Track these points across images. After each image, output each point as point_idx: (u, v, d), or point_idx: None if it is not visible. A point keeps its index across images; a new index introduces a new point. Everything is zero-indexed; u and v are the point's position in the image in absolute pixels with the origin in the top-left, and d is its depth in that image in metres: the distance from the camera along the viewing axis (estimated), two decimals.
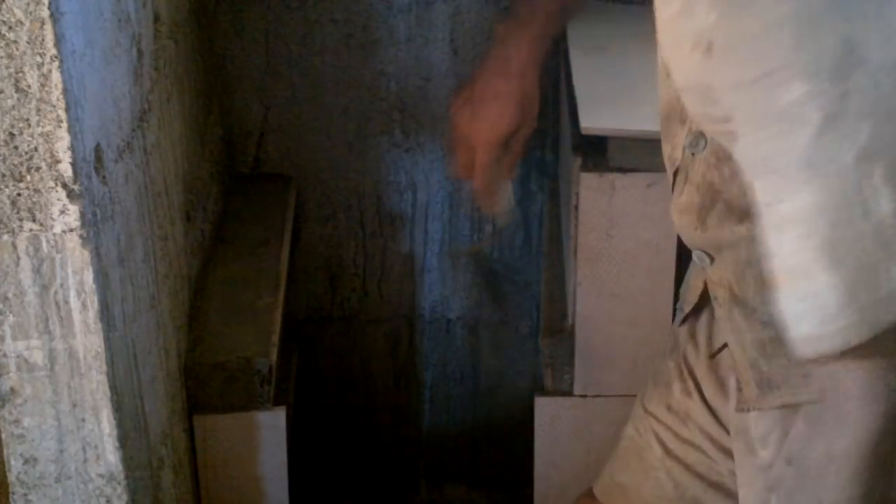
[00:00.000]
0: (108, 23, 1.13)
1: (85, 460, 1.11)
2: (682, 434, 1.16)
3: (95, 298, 1.05)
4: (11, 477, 1.11)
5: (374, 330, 2.04)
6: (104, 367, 1.07)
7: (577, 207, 1.41)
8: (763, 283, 0.91)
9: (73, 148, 0.99)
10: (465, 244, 1.98)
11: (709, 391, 1.13)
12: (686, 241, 1.06)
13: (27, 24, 0.95)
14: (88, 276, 1.04)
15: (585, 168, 1.40)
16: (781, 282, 0.86)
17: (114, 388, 1.09)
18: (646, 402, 1.21)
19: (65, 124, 0.98)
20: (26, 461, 1.10)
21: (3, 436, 1.09)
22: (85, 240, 1.02)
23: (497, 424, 2.12)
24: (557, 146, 1.86)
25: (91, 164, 1.05)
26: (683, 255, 1.48)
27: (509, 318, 2.04)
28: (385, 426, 2.11)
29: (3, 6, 0.94)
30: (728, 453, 1.11)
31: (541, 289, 1.72)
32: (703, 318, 1.14)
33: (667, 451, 1.18)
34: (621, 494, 1.23)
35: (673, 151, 1.05)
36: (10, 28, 0.95)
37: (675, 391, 1.17)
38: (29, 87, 0.97)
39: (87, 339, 1.06)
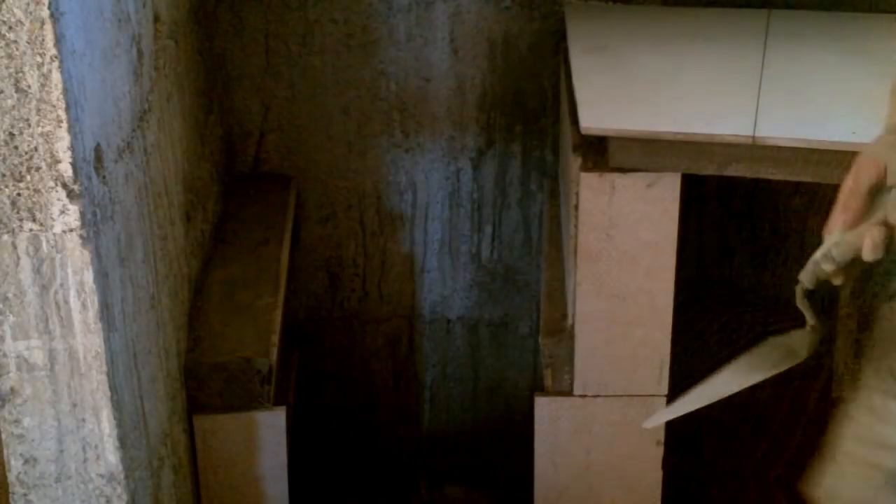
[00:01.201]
0: (108, 23, 1.13)
1: (85, 460, 1.11)
2: (883, 437, 1.13)
3: (95, 298, 1.05)
4: (11, 477, 1.11)
5: (374, 330, 2.04)
6: (104, 367, 1.07)
7: (577, 207, 1.41)
8: None
9: (73, 148, 0.99)
10: (465, 244, 1.98)
11: None
12: None
13: (27, 24, 0.95)
14: (88, 276, 1.04)
15: (585, 168, 1.40)
16: None
17: (114, 388, 1.09)
18: (846, 405, 1.18)
19: (65, 124, 0.98)
20: (26, 461, 1.10)
21: (3, 436, 1.09)
22: (85, 240, 1.02)
23: (497, 424, 2.12)
24: (557, 146, 1.86)
25: (91, 164, 1.05)
26: (683, 256, 1.48)
27: (509, 318, 2.04)
28: (385, 426, 2.11)
29: (3, 6, 0.94)
30: None
31: (541, 289, 1.72)
32: None
33: (865, 452, 1.15)
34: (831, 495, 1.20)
35: None
36: (10, 28, 0.95)
37: (876, 396, 1.14)
38: (29, 87, 0.97)
39: (87, 339, 1.06)
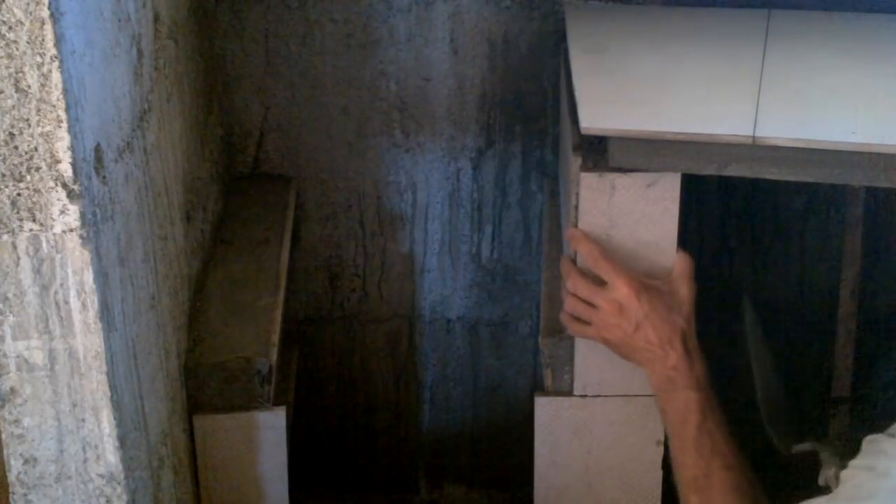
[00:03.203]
0: (108, 23, 1.13)
1: (85, 460, 1.11)
2: None
3: (95, 298, 1.05)
4: (11, 477, 1.11)
5: (374, 330, 2.04)
6: (104, 367, 1.07)
7: (577, 207, 1.41)
8: None
9: (73, 148, 0.99)
10: (465, 244, 1.98)
11: None
12: None
13: (27, 24, 0.95)
14: (88, 276, 1.04)
15: (585, 168, 1.40)
16: None
17: (114, 388, 1.09)
18: None
19: (65, 124, 0.98)
20: (26, 461, 1.10)
21: (3, 436, 1.09)
22: (85, 240, 1.02)
23: (497, 424, 2.12)
24: (557, 146, 1.86)
25: (91, 164, 1.05)
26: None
27: (509, 318, 2.04)
28: (385, 426, 2.11)
29: (3, 6, 0.94)
30: None
31: (541, 289, 1.72)
32: None
33: None
34: None
35: None
36: (10, 28, 0.95)
37: None
38: (29, 87, 0.97)
39: (87, 339, 1.06)
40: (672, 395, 1.35)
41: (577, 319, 1.42)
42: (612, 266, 1.38)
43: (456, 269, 2.00)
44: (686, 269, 1.40)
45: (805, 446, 1.39)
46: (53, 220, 1.01)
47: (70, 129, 0.98)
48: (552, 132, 1.88)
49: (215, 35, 1.79)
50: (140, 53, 1.26)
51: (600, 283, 1.39)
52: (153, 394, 1.26)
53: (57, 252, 1.02)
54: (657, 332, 1.36)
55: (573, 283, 1.41)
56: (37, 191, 1.00)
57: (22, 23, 0.94)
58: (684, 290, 1.39)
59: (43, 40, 0.95)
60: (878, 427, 1.13)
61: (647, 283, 1.38)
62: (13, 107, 0.97)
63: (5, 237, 1.02)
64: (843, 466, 1.21)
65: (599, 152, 1.40)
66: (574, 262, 1.44)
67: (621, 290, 1.37)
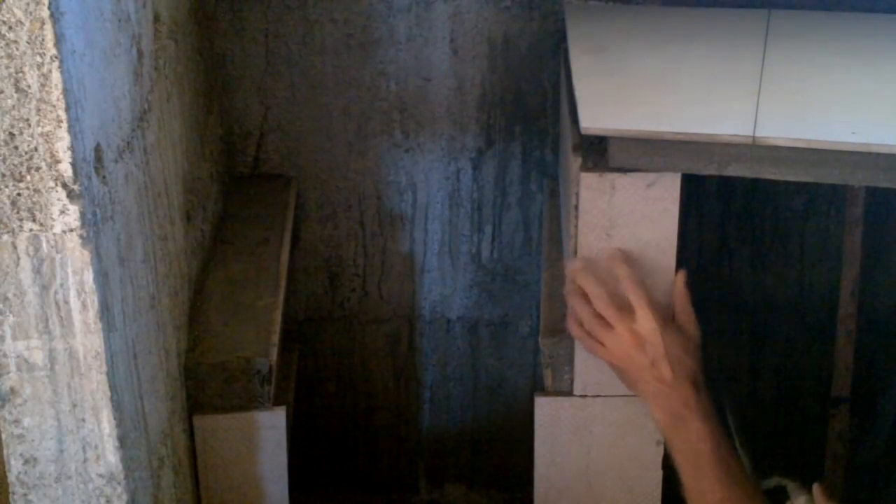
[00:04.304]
0: (108, 23, 1.13)
1: (85, 460, 1.11)
2: None
3: (95, 298, 1.05)
4: (11, 477, 1.11)
5: (374, 330, 2.04)
6: (104, 367, 1.07)
7: (577, 207, 1.41)
8: None
9: (73, 148, 0.99)
10: (465, 244, 1.98)
11: None
12: None
13: (27, 24, 0.95)
14: (88, 276, 1.04)
15: (585, 168, 1.40)
16: None
17: (114, 388, 1.09)
18: None
19: (65, 124, 0.98)
20: (26, 461, 1.10)
21: (3, 436, 1.09)
22: (85, 240, 1.02)
23: (497, 424, 2.12)
24: (557, 146, 1.86)
25: (91, 164, 1.05)
26: (683, 256, 1.48)
27: (509, 318, 2.04)
28: (385, 426, 2.12)
29: (3, 6, 0.94)
30: None
31: (541, 289, 1.72)
32: None
33: None
34: None
35: None
36: (10, 28, 0.95)
37: None
38: (29, 87, 0.97)
39: (87, 339, 1.06)
40: (682, 429, 1.35)
41: (590, 335, 1.41)
42: (644, 297, 1.37)
43: (456, 269, 2.00)
44: (689, 308, 1.40)
45: (772, 482, 1.40)
46: (53, 220, 1.01)
47: (70, 129, 0.98)
48: (552, 132, 1.88)
49: (215, 35, 1.80)
50: (140, 53, 1.26)
51: (622, 306, 1.39)
52: (153, 394, 1.26)
53: (57, 252, 1.02)
54: (673, 372, 1.36)
55: (597, 302, 1.39)
56: (37, 191, 1.00)
57: (22, 23, 0.95)
58: (693, 330, 1.39)
59: (43, 40, 0.95)
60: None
61: (669, 321, 1.38)
62: (13, 107, 0.97)
63: (5, 237, 1.02)
64: (811, 495, 1.25)
65: (599, 152, 1.40)
66: (583, 266, 1.42)
67: (646, 324, 1.36)
